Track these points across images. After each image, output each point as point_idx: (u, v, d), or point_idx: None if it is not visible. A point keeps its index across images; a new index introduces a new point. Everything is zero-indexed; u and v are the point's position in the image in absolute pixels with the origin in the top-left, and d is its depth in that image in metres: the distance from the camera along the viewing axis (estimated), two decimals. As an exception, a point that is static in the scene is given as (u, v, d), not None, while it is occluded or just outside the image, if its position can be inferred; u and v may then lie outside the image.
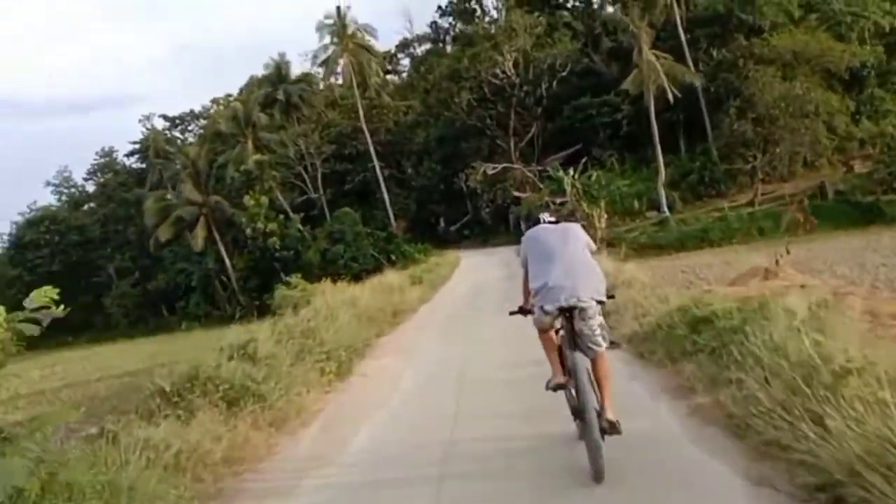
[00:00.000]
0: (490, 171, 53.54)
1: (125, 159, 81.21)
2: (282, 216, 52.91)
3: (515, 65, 55.24)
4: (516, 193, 52.46)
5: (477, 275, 28.36)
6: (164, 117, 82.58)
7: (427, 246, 50.94)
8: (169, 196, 59.20)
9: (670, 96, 45.47)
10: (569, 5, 66.69)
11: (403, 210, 60.51)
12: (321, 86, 72.87)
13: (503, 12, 66.43)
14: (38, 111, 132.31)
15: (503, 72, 54.94)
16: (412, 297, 18.23)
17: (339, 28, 57.07)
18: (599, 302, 5.19)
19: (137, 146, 77.81)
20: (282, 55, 65.77)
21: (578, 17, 65.71)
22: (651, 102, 46.15)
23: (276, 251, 50.76)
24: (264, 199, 51.16)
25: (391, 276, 21.39)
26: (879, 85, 51.75)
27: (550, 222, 5.65)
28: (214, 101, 75.02)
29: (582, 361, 5.02)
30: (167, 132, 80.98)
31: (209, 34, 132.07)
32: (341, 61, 57.51)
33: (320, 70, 62.92)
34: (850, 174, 48.29)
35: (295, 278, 15.73)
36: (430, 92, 67.17)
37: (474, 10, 73.87)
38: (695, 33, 51.12)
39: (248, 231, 50.61)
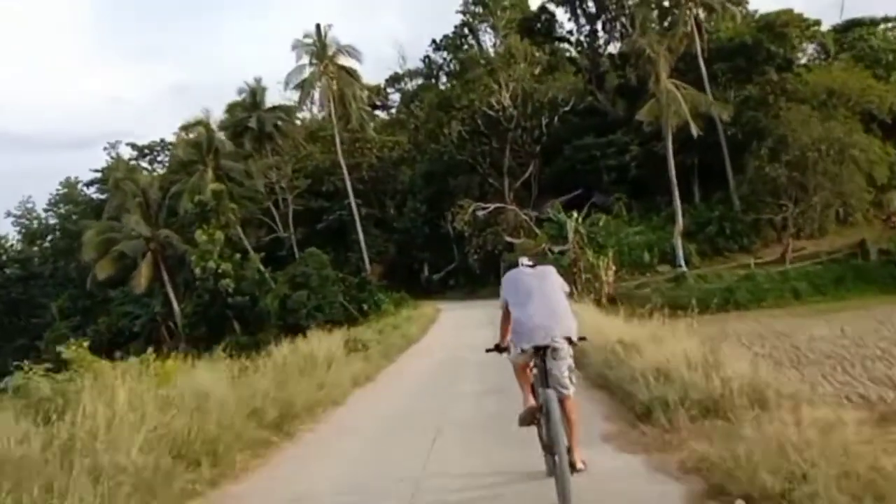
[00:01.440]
0: (480, 213, 47.14)
1: (86, 189, 74.74)
2: (239, 255, 45.92)
3: (513, 97, 49.16)
4: (509, 239, 45.98)
5: (456, 337, 21.47)
6: (133, 146, 76.38)
7: (404, 295, 44.05)
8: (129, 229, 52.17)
9: (694, 131, 39.16)
10: (572, 39, 60.86)
11: (382, 254, 53.85)
12: (300, 114, 67.10)
13: (501, 48, 60.81)
14: (33, 145, 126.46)
15: (499, 103, 48.86)
16: (343, 379, 11.28)
17: (319, 48, 50.95)
18: (571, 343, 5.35)
19: (99, 175, 71.09)
20: (258, 80, 59.56)
21: (583, 53, 60.11)
22: (669, 137, 39.84)
23: (230, 295, 43.76)
24: (219, 235, 44.32)
25: (318, 342, 14.16)
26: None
27: (528, 266, 5.78)
28: (184, 127, 68.43)
29: (553, 398, 5.08)
30: (135, 162, 74.41)
31: (208, 75, 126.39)
32: (319, 85, 51.11)
33: (296, 96, 56.32)
34: (893, 231, 42.10)
35: (71, 347, 8.46)
36: (419, 129, 61.32)
37: (471, 46, 68.25)
38: (714, 67, 45.21)
39: (197, 271, 43.65)
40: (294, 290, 43.60)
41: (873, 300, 33.42)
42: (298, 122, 69.14)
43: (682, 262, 40.63)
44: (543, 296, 5.40)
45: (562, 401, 5.12)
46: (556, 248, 42.61)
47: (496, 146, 50.49)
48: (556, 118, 51.42)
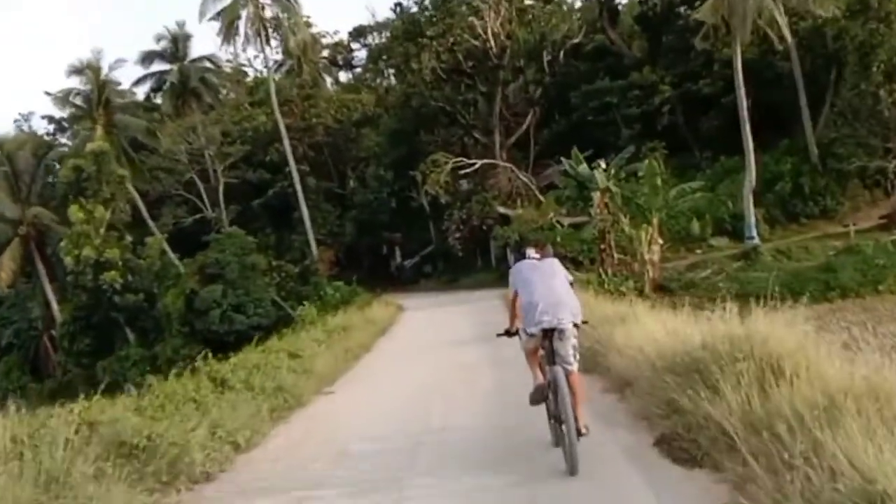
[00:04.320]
0: (463, 180, 34.96)
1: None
2: (131, 240, 33.34)
3: (504, 23, 36.60)
4: (502, 209, 33.80)
5: (419, 377, 9.37)
6: (50, 118, 63.54)
7: (356, 289, 31.41)
8: None
9: (786, 33, 26.87)
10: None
11: (338, 236, 41.47)
12: (222, 54, 54.18)
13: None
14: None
15: (485, 31, 36.31)
16: None
17: (246, -34, 38.38)
18: (575, 325, 5.81)
19: None
20: (180, 24, 47.03)
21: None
22: (738, 51, 27.38)
23: (117, 293, 31.27)
24: (101, 212, 31.91)
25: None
26: None
27: (535, 258, 6.37)
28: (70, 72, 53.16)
29: (560, 374, 5.63)
30: (51, 136, 61.49)
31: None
32: (244, 13, 38.38)
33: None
34: None
35: None
36: (389, 91, 49.21)
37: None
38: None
39: (68, 260, 31.19)
40: (205, 283, 31.28)
41: None
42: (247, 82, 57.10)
43: (754, 233, 28.47)
44: (550, 284, 5.91)
45: (567, 376, 5.66)
46: (568, 220, 30.44)
47: (483, 89, 38.16)
48: (560, 54, 39.25)
